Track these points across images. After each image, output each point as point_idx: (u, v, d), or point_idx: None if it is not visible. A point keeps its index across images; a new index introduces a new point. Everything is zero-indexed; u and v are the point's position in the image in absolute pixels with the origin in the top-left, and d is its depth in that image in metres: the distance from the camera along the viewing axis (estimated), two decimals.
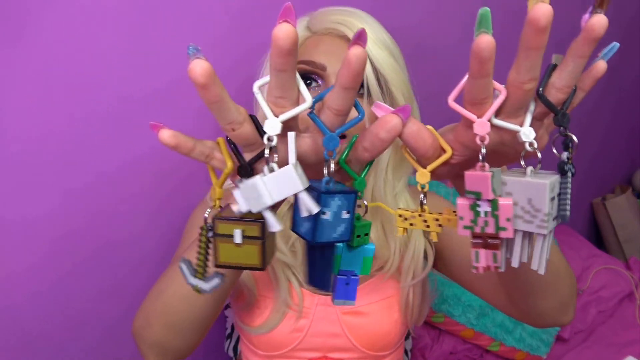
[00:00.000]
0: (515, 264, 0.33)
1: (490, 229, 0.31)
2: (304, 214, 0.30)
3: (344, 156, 0.33)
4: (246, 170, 0.32)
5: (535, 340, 1.16)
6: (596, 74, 0.31)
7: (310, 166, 0.33)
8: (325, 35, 0.62)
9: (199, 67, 0.26)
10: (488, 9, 0.26)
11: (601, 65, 0.31)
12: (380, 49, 0.59)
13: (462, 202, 0.31)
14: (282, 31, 0.26)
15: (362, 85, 0.60)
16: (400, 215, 0.35)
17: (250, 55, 0.70)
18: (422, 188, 0.34)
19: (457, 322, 1.12)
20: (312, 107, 0.31)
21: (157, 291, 0.52)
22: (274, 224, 0.30)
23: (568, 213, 0.31)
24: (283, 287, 0.67)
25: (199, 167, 0.81)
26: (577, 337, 1.28)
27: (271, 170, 0.30)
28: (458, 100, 0.31)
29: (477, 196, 0.31)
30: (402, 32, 0.70)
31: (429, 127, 0.33)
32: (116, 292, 0.82)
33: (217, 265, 0.33)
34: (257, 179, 0.29)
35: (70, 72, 0.70)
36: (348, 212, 0.32)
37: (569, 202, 0.31)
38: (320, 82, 0.61)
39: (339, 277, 0.36)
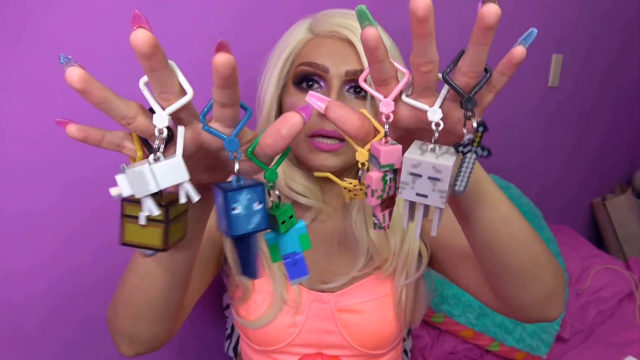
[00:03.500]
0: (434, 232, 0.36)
1: (392, 192, 0.36)
2: (183, 200, 0.33)
3: (250, 149, 0.35)
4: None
5: (535, 340, 1.16)
6: (513, 59, 0.32)
7: (209, 157, 0.36)
8: (328, 37, 0.62)
9: (74, 74, 0.28)
10: (364, 6, 0.30)
11: (518, 50, 0.31)
12: None
13: (376, 175, 0.35)
14: (138, 37, 0.27)
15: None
16: (344, 188, 0.41)
17: (253, 55, 0.70)
18: (363, 165, 0.37)
19: (457, 322, 1.12)
20: (203, 121, 0.33)
21: (120, 281, 0.54)
22: (153, 209, 0.33)
23: (462, 188, 0.34)
24: (279, 282, 0.67)
25: None
26: (577, 337, 1.28)
27: (157, 160, 0.32)
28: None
29: (391, 167, 0.35)
30: (405, 34, 0.70)
31: (362, 110, 0.36)
32: (114, 292, 0.82)
33: (121, 244, 0.36)
34: (144, 167, 0.31)
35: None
36: (260, 203, 0.35)
37: (466, 178, 0.34)
38: (322, 84, 0.61)
39: (285, 261, 0.39)
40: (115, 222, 0.79)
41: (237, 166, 0.34)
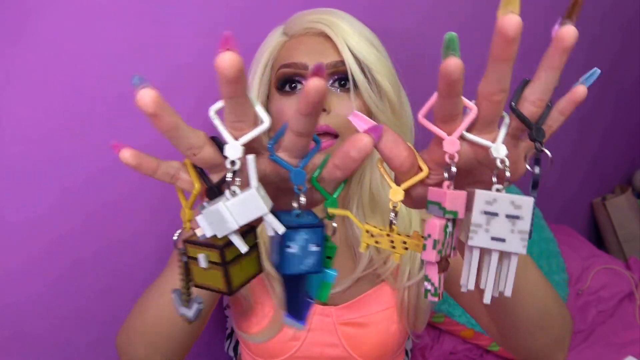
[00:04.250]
0: (494, 292, 0.31)
1: (449, 250, 0.31)
2: (271, 232, 0.30)
3: (316, 174, 0.32)
4: (214, 192, 0.32)
5: None
6: (575, 98, 0.30)
7: (272, 184, 0.33)
8: (303, 35, 0.61)
9: (147, 96, 0.26)
10: (455, 33, 0.26)
11: (580, 89, 0.30)
12: (360, 40, 0.59)
13: (440, 222, 0.30)
14: (225, 60, 0.25)
15: (346, 79, 0.59)
16: (367, 231, 0.34)
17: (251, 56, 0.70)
18: (394, 207, 0.32)
19: (457, 322, 1.12)
20: (271, 150, 0.31)
21: (138, 310, 0.52)
22: (241, 246, 0.30)
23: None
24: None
25: None
26: (577, 337, 1.27)
27: (233, 194, 0.29)
28: (429, 116, 0.31)
29: (455, 215, 0.29)
30: (397, 37, 0.70)
31: (408, 143, 0.33)
32: (114, 292, 0.82)
33: (195, 286, 0.34)
34: (219, 205, 0.29)
35: (68, 71, 0.70)
36: (318, 246, 0.32)
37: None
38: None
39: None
40: (115, 222, 0.79)
41: (302, 199, 0.32)
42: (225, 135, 0.29)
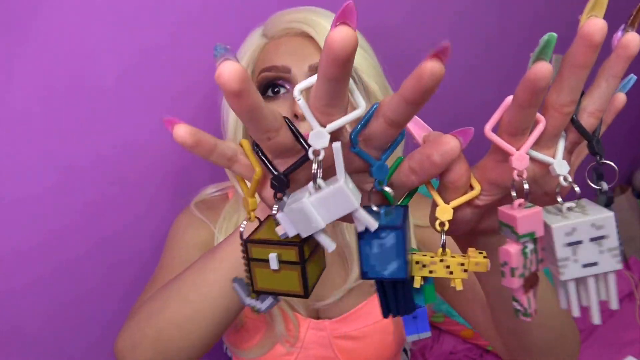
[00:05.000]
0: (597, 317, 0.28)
1: (534, 267, 0.28)
2: (361, 228, 0.27)
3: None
4: (282, 182, 0.28)
5: None
6: (617, 107, 0.30)
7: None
8: (283, 36, 0.58)
9: (230, 70, 0.21)
10: (555, 35, 0.23)
11: (621, 98, 0.30)
12: None
13: (513, 249, 0.27)
14: (340, 35, 0.20)
15: None
16: (417, 262, 0.29)
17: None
18: (442, 226, 0.29)
19: (457, 322, 1.12)
20: (355, 141, 0.27)
21: (147, 313, 0.47)
22: (329, 244, 0.27)
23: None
24: (278, 320, 0.63)
25: (194, 163, 0.81)
26: None
27: (318, 189, 0.26)
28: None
29: (532, 237, 0.27)
30: (384, 35, 0.69)
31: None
32: (110, 288, 0.82)
33: (254, 291, 0.30)
34: (304, 203, 0.26)
35: (63, 69, 0.70)
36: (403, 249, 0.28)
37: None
38: (288, 87, 0.57)
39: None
40: (110, 218, 0.79)
41: (390, 192, 0.28)
42: (312, 120, 0.26)
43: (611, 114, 0.30)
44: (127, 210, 0.80)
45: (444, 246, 0.29)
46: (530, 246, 0.28)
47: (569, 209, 0.28)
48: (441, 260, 0.29)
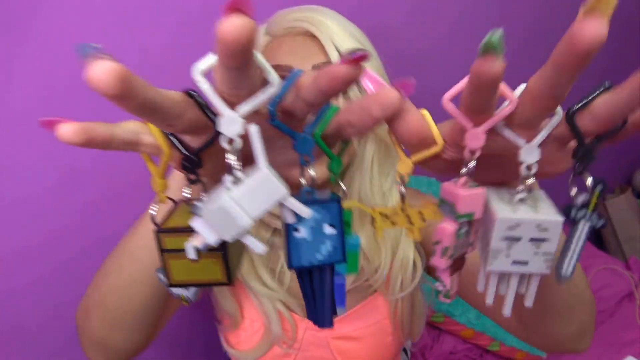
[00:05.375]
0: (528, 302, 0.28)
1: (464, 250, 0.28)
2: (290, 219, 0.25)
3: (320, 130, 0.27)
4: (193, 162, 0.25)
5: None
6: None
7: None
8: (286, 35, 0.57)
9: (103, 71, 0.18)
10: (502, 31, 0.20)
11: None
12: (347, 38, 0.55)
13: (449, 229, 0.26)
14: (230, 26, 0.18)
15: None
16: (381, 214, 0.29)
17: None
18: (401, 178, 0.28)
19: (457, 322, 1.12)
20: (273, 113, 0.24)
21: (95, 282, 0.47)
22: (258, 247, 0.24)
23: (569, 273, 0.25)
24: (274, 320, 0.63)
25: None
26: None
27: (237, 182, 0.23)
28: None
29: (469, 217, 0.26)
30: (385, 34, 0.68)
31: (424, 111, 0.27)
32: None
33: (170, 285, 0.27)
34: (224, 200, 0.22)
35: (69, 63, 0.70)
36: (332, 226, 0.26)
37: (575, 258, 0.25)
38: None
39: None
40: (114, 217, 0.79)
41: (312, 173, 0.26)
42: (220, 106, 0.23)
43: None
44: (127, 210, 0.79)
45: (403, 197, 0.29)
46: (465, 228, 0.27)
47: (522, 200, 0.26)
48: (402, 211, 0.29)
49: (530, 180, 0.26)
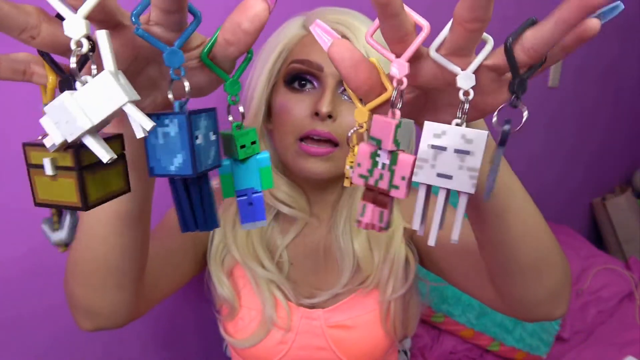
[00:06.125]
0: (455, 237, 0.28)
1: (383, 184, 0.28)
2: (140, 134, 0.24)
3: (206, 50, 0.28)
4: (68, 83, 0.26)
5: (535, 340, 1.16)
6: (583, 34, 0.25)
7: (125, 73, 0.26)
8: None
9: None
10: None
11: (592, 23, 0.24)
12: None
13: (364, 148, 0.28)
14: None
15: None
16: (351, 162, 0.33)
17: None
18: (360, 127, 0.30)
19: (457, 322, 1.12)
20: (136, 22, 0.25)
21: (71, 249, 0.48)
22: (103, 154, 0.24)
23: (488, 192, 0.27)
24: (268, 303, 0.64)
25: None
26: (576, 337, 1.28)
27: (84, 84, 0.23)
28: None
29: (378, 144, 0.27)
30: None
31: (372, 59, 0.29)
32: None
33: (36, 204, 0.27)
34: (65, 96, 0.23)
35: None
36: (215, 133, 0.28)
37: (492, 178, 0.27)
38: (316, 84, 0.57)
39: (238, 199, 0.32)
40: None
41: (187, 86, 0.27)
42: (60, 8, 0.23)
43: (574, 41, 0.25)
44: None
45: (349, 142, 0.32)
46: (384, 160, 0.28)
47: (457, 125, 0.27)
48: (353, 150, 0.32)
49: (467, 106, 0.27)
